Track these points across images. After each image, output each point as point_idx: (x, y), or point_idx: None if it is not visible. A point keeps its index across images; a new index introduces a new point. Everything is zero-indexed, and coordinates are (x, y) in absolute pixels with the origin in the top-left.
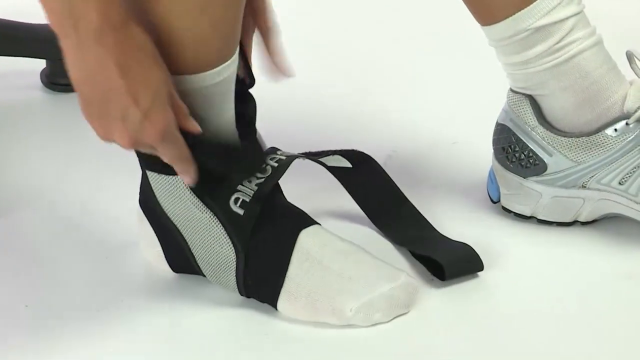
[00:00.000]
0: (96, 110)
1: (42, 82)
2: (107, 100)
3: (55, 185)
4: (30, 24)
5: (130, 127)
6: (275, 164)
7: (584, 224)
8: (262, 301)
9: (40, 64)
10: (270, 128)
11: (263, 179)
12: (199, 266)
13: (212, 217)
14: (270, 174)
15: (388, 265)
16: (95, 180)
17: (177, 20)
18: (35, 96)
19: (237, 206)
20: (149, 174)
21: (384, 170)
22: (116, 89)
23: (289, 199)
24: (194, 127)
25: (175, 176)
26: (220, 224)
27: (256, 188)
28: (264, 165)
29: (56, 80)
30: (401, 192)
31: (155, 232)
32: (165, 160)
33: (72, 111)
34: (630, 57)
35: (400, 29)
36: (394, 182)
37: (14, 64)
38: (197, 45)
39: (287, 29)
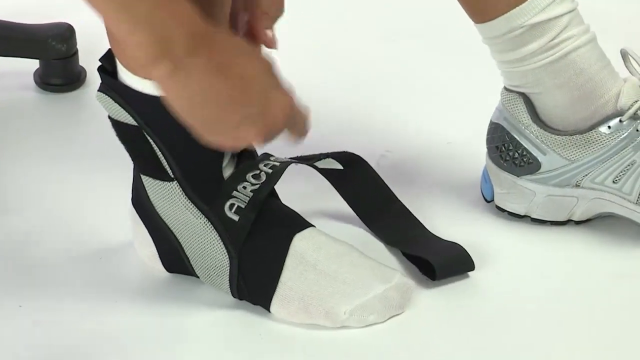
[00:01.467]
0: (219, 125)
1: (35, 82)
2: (224, 110)
3: (48, 185)
4: (24, 24)
5: (257, 124)
6: (270, 170)
7: (577, 223)
8: (255, 304)
9: (34, 64)
10: None
11: (258, 186)
12: (193, 268)
13: (206, 222)
14: (265, 180)
15: (383, 265)
16: (89, 180)
17: None
18: (29, 96)
19: (232, 212)
20: (143, 178)
21: (374, 171)
22: (227, 95)
23: (282, 201)
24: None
25: (170, 182)
26: (214, 230)
27: (251, 194)
28: (258, 172)
29: (49, 80)
30: (392, 193)
31: (149, 233)
32: (296, 135)
33: (66, 112)
34: (624, 55)
35: (393, 28)
36: (385, 183)
37: (7, 64)
38: None
39: (282, 29)
